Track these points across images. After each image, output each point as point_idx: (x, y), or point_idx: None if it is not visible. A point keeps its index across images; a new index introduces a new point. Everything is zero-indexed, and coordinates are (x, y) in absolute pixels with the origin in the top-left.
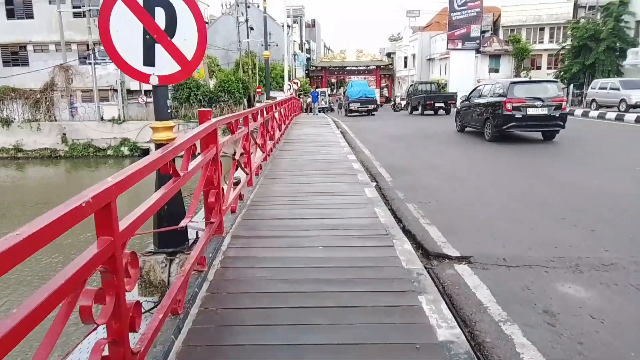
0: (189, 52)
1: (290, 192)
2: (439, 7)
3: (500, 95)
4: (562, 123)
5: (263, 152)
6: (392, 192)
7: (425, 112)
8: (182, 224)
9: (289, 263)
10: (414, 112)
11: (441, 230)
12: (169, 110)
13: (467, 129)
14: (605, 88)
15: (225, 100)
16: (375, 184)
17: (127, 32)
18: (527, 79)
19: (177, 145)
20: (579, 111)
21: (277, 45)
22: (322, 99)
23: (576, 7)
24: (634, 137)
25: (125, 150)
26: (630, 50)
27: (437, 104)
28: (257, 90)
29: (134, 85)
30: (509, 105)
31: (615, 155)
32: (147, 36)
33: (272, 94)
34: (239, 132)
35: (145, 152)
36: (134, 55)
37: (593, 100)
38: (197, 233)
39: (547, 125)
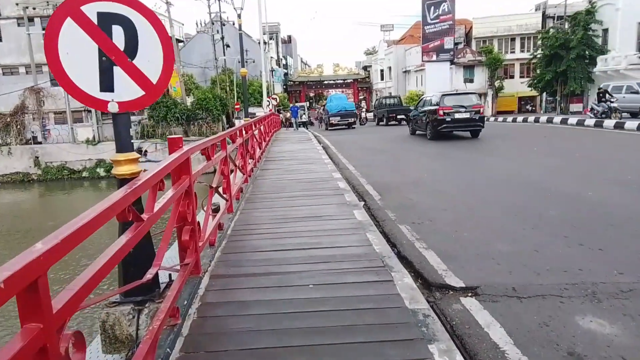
0: (153, 75)
1: (274, 218)
2: (412, 21)
3: (435, 104)
4: (481, 124)
5: (243, 174)
6: (382, 213)
7: (390, 123)
8: (148, 275)
9: (276, 308)
10: (380, 124)
11: (440, 256)
12: (132, 140)
13: (418, 132)
14: (619, 91)
15: (204, 118)
16: (363, 203)
17: (79, 54)
18: (455, 91)
19: (138, 186)
20: (557, 118)
21: (254, 62)
22: (302, 114)
23: (544, 17)
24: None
25: (101, 171)
26: (599, 57)
27: (398, 116)
28: (236, 107)
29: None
30: (441, 112)
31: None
32: (104, 58)
33: (250, 110)
34: (216, 156)
35: None
36: (88, 80)
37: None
38: (169, 275)
39: (470, 126)
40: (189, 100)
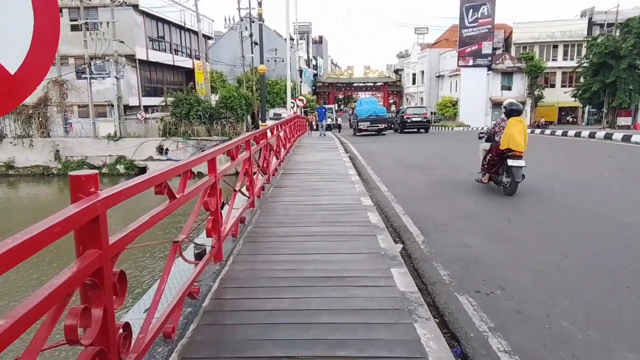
0: (11, 59)
1: (275, 279)
2: (448, 24)
3: (403, 112)
4: (427, 126)
5: (248, 197)
6: (431, 270)
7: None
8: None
9: None
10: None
11: None
12: (153, 138)
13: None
14: None
15: (227, 118)
16: (401, 246)
17: None
18: (413, 106)
19: (172, 168)
20: (600, 133)
21: (282, 61)
22: (329, 116)
23: (590, 24)
24: None
25: (121, 168)
26: None
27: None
28: None
29: (132, 100)
30: (405, 117)
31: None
32: None
33: (276, 110)
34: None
35: (142, 170)
36: None
37: None
38: None
39: (420, 127)
40: (214, 99)
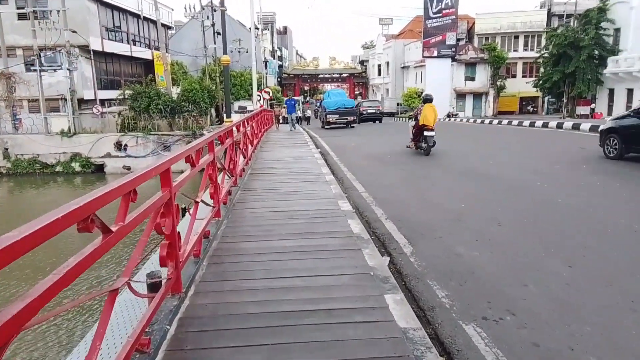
0: None
1: (253, 314)
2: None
3: (360, 105)
4: (380, 117)
5: (214, 206)
6: (426, 290)
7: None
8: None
9: None
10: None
11: None
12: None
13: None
14: None
15: (190, 111)
16: (388, 259)
17: None
18: (371, 99)
19: (106, 193)
20: (552, 123)
21: (247, 52)
22: (299, 109)
23: (550, 15)
24: None
25: (76, 166)
26: (611, 58)
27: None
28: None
29: (88, 94)
30: (361, 109)
31: None
32: None
33: (242, 103)
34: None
35: (100, 167)
36: None
37: None
38: None
39: (375, 118)
40: (176, 91)
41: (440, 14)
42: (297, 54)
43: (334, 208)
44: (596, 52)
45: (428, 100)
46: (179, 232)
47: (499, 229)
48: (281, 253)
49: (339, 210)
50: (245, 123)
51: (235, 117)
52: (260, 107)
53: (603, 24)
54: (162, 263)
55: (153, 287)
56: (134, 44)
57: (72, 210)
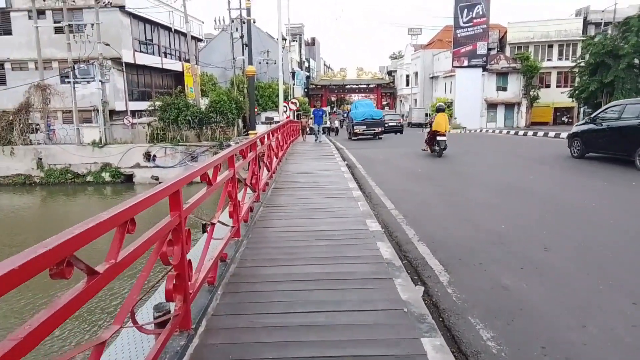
0: None
1: (274, 345)
2: (441, 24)
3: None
4: (402, 129)
5: (233, 225)
6: (469, 330)
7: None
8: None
9: None
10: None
11: None
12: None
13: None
14: None
15: (217, 122)
16: (422, 289)
17: None
18: (391, 112)
19: (89, 228)
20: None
21: (274, 63)
22: (327, 120)
23: (585, 23)
24: None
25: (106, 176)
26: None
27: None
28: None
29: (119, 105)
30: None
31: None
32: None
33: (268, 114)
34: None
35: (129, 177)
36: None
37: None
38: None
39: (396, 130)
40: (204, 102)
41: (470, 23)
42: (324, 64)
43: (362, 228)
44: (636, 61)
45: (440, 110)
46: (189, 260)
47: (546, 255)
48: (304, 281)
49: (367, 231)
50: (270, 135)
51: (262, 128)
52: (287, 118)
53: None
54: (169, 297)
55: (160, 323)
56: (165, 56)
57: (38, 255)
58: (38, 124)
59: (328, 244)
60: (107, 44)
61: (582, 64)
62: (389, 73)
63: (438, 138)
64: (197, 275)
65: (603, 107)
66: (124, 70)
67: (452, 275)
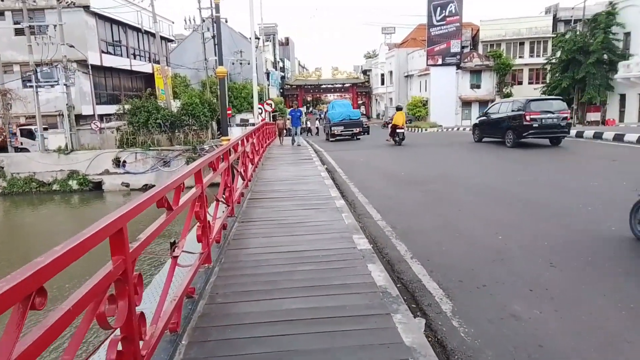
0: None
1: None
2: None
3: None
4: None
5: (202, 251)
6: None
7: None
8: None
9: None
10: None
11: None
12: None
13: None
14: None
15: (190, 125)
16: (424, 322)
17: None
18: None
19: (171, 182)
20: (588, 132)
21: (248, 64)
22: (305, 120)
23: (555, 20)
24: None
25: (73, 184)
26: (622, 63)
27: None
28: (227, 112)
29: (86, 109)
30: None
31: None
32: None
33: (243, 116)
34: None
35: (97, 185)
36: None
37: None
38: None
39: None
40: (176, 105)
41: (444, 22)
42: (299, 64)
43: (349, 246)
44: (606, 57)
45: (399, 109)
46: (141, 313)
47: (554, 273)
48: (286, 323)
49: (356, 249)
50: (245, 141)
51: (237, 131)
52: (262, 120)
53: (613, 28)
54: None
55: None
56: (134, 58)
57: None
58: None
59: (312, 269)
60: (71, 46)
61: (554, 61)
62: (364, 72)
63: (397, 130)
64: (153, 328)
65: (489, 105)
66: (91, 72)
67: (454, 303)
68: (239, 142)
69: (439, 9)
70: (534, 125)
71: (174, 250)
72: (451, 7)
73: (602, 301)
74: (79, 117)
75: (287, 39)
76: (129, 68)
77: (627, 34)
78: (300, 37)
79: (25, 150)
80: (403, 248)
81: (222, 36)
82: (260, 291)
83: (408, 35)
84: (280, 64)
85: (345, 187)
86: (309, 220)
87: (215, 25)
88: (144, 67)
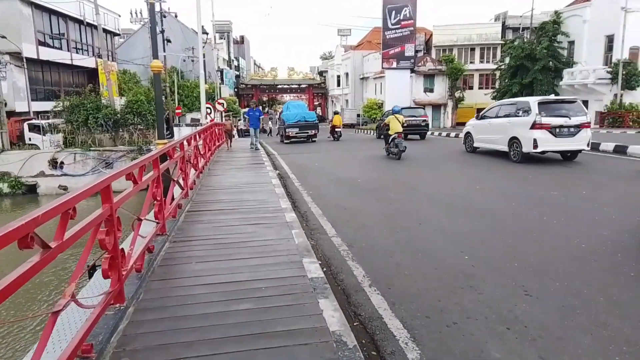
0: None
1: None
2: (370, 24)
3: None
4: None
5: (111, 289)
6: None
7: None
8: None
9: None
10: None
11: None
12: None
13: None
14: None
15: (135, 124)
16: None
17: None
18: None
19: (44, 212)
20: None
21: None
22: (263, 122)
23: (504, 28)
24: None
25: (4, 187)
26: (566, 70)
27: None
28: (177, 111)
29: (20, 105)
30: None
31: None
32: None
33: (194, 115)
34: None
35: (32, 188)
36: None
37: None
38: None
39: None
40: (120, 103)
41: (398, 26)
42: (255, 64)
43: (298, 274)
44: (551, 64)
45: (336, 113)
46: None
47: (532, 303)
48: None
49: (305, 278)
50: (188, 142)
51: (186, 131)
52: (211, 121)
53: (558, 37)
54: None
55: None
56: (76, 52)
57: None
58: None
59: (251, 308)
60: (3, 37)
61: (503, 67)
62: (320, 73)
63: (336, 129)
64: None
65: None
66: (26, 66)
67: (422, 349)
68: (178, 145)
69: (394, 12)
70: None
71: (52, 315)
72: (406, 11)
73: (589, 341)
74: (12, 114)
75: (242, 38)
76: (69, 62)
77: (572, 43)
78: (256, 36)
79: None
80: (360, 272)
81: (172, 32)
82: (180, 344)
83: (364, 38)
84: (235, 63)
85: (298, 195)
86: (254, 239)
87: (149, 12)
88: (87, 61)
